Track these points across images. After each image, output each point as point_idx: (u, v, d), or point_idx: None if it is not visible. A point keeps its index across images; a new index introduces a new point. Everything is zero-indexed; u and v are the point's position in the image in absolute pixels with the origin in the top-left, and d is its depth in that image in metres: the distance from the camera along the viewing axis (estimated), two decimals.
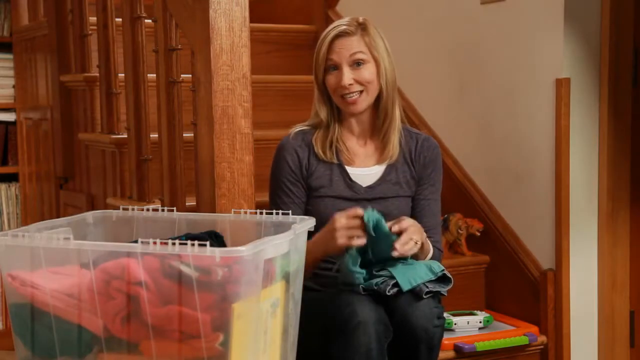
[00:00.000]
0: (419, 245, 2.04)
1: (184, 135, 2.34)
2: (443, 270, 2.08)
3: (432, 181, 2.28)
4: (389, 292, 1.99)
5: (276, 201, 2.23)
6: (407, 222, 2.05)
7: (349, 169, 2.25)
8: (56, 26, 3.17)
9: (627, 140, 2.71)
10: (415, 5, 3.22)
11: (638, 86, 2.72)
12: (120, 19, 2.65)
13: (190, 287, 1.50)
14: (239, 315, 1.52)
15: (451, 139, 3.07)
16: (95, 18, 2.87)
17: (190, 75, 2.20)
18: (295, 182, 2.23)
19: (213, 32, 2.02)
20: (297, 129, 2.29)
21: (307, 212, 2.21)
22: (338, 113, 2.27)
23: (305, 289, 2.15)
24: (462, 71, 3.02)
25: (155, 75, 2.41)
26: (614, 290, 2.74)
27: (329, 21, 3.60)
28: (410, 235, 2.02)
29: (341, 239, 2.02)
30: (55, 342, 1.61)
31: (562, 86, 2.62)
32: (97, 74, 2.86)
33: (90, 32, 3.00)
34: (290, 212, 2.09)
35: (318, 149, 2.24)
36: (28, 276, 1.62)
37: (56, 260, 1.61)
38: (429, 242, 2.17)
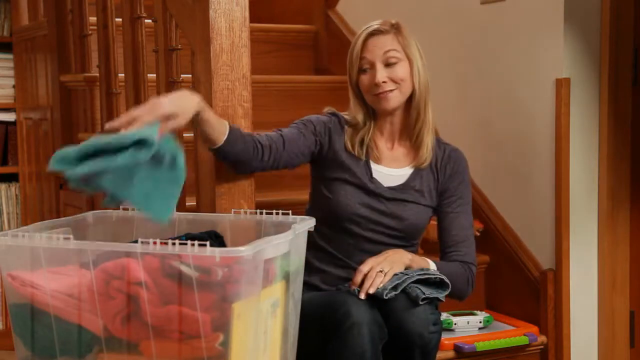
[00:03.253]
0: (389, 275, 2.02)
1: (184, 135, 2.34)
2: (439, 275, 2.07)
3: (459, 193, 2.24)
4: (386, 296, 1.98)
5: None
6: (365, 266, 2.05)
7: (373, 165, 2.22)
8: (56, 26, 3.17)
9: (627, 140, 2.71)
10: (415, 5, 3.22)
11: (638, 86, 2.72)
12: (120, 19, 2.65)
13: (190, 287, 1.50)
14: (239, 315, 1.52)
15: (451, 139, 3.05)
16: (95, 18, 2.87)
17: (190, 75, 2.20)
18: (310, 131, 2.19)
19: (213, 32, 2.02)
20: (342, 114, 2.26)
21: (324, 199, 2.19)
22: (373, 114, 2.24)
23: (312, 287, 2.16)
24: (462, 71, 3.02)
25: (155, 75, 2.41)
26: (614, 290, 2.74)
27: (328, 21, 3.61)
28: (373, 272, 2.03)
29: None
30: (55, 342, 1.61)
31: (562, 86, 2.62)
32: (97, 74, 2.86)
33: (90, 32, 3.00)
34: (284, 132, 2.12)
35: (348, 143, 2.21)
36: (28, 276, 1.62)
37: (56, 260, 1.61)
38: (422, 259, 2.14)
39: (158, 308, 1.53)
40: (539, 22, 2.70)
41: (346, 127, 2.23)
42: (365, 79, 2.19)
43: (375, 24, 2.21)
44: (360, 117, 2.23)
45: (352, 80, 2.23)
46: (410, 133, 2.24)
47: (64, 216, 2.36)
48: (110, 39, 2.78)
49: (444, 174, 2.25)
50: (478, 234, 2.85)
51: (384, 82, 2.15)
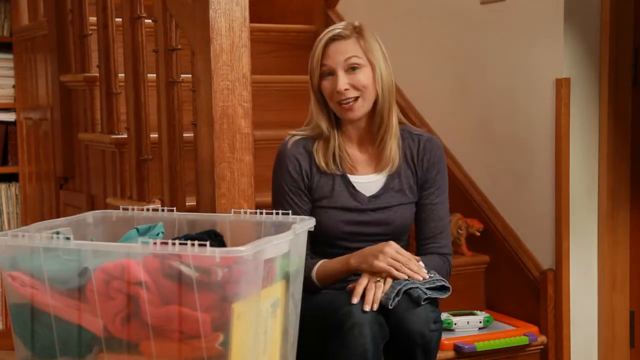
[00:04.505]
0: (388, 282, 2.02)
1: (184, 135, 2.34)
2: (442, 281, 2.06)
3: (437, 184, 2.23)
4: (391, 305, 1.97)
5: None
6: (363, 279, 2.03)
7: (352, 177, 2.21)
8: (56, 26, 3.17)
9: (627, 140, 2.71)
10: (415, 5, 3.22)
11: (638, 86, 2.72)
12: (120, 19, 2.66)
13: (190, 287, 1.50)
14: (239, 315, 1.52)
15: (451, 139, 3.08)
16: (95, 18, 2.87)
17: (190, 75, 2.20)
18: (298, 192, 2.20)
19: (213, 32, 2.02)
20: (297, 137, 2.24)
21: None
22: (336, 120, 2.23)
23: (311, 293, 2.16)
24: (462, 71, 3.02)
25: (155, 75, 2.41)
26: (614, 290, 2.74)
27: (328, 21, 3.61)
28: (371, 283, 2.02)
29: (382, 263, 2.02)
30: (55, 342, 1.61)
31: (562, 86, 2.62)
32: (97, 74, 2.86)
33: (90, 32, 3.00)
34: (298, 207, 2.10)
35: (320, 161, 2.20)
36: (28, 276, 1.62)
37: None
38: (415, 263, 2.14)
39: (158, 308, 1.53)
40: (539, 22, 2.70)
41: (313, 145, 2.22)
42: (327, 85, 2.17)
43: (337, 28, 2.18)
44: (323, 124, 2.21)
45: (314, 86, 2.20)
46: (374, 138, 2.22)
47: (64, 216, 2.36)
48: (110, 39, 2.78)
49: (421, 166, 2.24)
50: (478, 234, 2.85)
51: (346, 89, 2.13)
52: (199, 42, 2.08)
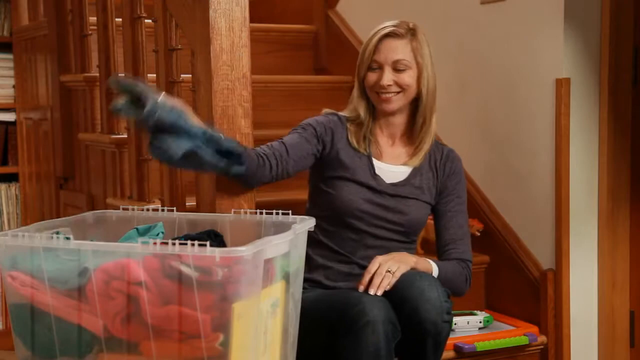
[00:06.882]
0: (396, 276, 2.03)
1: None
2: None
3: (457, 193, 2.28)
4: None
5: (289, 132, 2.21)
6: (373, 265, 2.05)
7: (375, 162, 2.24)
8: (56, 26, 3.17)
9: (627, 140, 2.71)
10: (415, 5, 3.22)
11: (638, 86, 2.72)
12: (120, 19, 2.66)
13: (190, 287, 1.50)
14: (239, 315, 1.52)
15: (451, 139, 3.07)
16: (95, 18, 2.87)
17: (190, 75, 2.20)
18: (310, 135, 2.19)
19: (213, 32, 2.02)
20: (340, 113, 2.28)
21: (326, 196, 2.20)
22: (373, 110, 2.28)
23: (315, 283, 2.17)
24: (462, 71, 3.02)
25: (155, 75, 2.41)
26: (614, 290, 2.74)
27: (329, 21, 3.61)
28: (382, 269, 2.03)
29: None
30: (55, 342, 1.61)
31: (562, 86, 2.62)
32: (97, 74, 2.86)
33: (90, 32, 3.00)
34: (285, 139, 2.13)
35: (352, 138, 2.23)
36: (28, 276, 1.62)
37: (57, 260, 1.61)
38: (425, 261, 2.16)
39: (158, 308, 1.53)
40: (539, 22, 2.70)
41: (348, 124, 2.26)
42: (372, 77, 2.22)
43: (391, 26, 2.24)
44: (362, 110, 2.25)
45: (360, 76, 2.25)
46: (412, 137, 2.27)
47: (64, 216, 2.36)
48: (110, 39, 2.78)
49: (443, 171, 2.29)
50: (478, 234, 2.85)
51: (389, 85, 2.19)
52: (199, 42, 2.08)
